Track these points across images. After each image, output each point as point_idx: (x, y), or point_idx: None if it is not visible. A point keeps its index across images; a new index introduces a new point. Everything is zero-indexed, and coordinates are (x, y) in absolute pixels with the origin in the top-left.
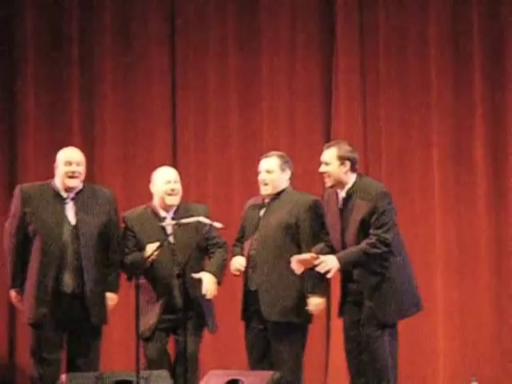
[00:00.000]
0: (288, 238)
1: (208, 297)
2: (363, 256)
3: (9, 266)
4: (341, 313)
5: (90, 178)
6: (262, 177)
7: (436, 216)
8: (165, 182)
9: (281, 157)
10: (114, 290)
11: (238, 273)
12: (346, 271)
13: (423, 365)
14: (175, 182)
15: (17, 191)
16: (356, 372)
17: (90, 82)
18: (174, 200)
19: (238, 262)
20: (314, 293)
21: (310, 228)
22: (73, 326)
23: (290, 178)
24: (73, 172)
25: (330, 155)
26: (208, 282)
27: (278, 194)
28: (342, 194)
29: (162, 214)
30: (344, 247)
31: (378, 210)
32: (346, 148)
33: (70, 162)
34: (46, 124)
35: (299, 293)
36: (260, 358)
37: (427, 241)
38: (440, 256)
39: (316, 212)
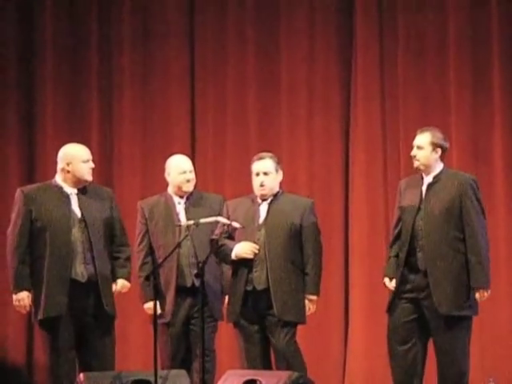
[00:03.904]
0: (292, 238)
1: None
2: (485, 262)
3: (12, 270)
4: (391, 309)
5: (108, 174)
6: (260, 179)
7: None
8: (180, 172)
9: (273, 158)
10: (127, 278)
11: (251, 255)
12: (412, 265)
13: None
14: (190, 171)
15: (18, 194)
16: (402, 380)
17: (109, 79)
18: (190, 186)
19: (252, 245)
20: (312, 293)
21: (313, 229)
22: (86, 320)
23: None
24: (91, 168)
25: (423, 140)
26: None
27: (275, 195)
28: (429, 178)
29: (176, 200)
30: (413, 230)
31: (467, 199)
32: (439, 135)
33: (88, 159)
34: (64, 122)
35: (301, 292)
36: (258, 357)
37: None
38: None
39: (315, 214)
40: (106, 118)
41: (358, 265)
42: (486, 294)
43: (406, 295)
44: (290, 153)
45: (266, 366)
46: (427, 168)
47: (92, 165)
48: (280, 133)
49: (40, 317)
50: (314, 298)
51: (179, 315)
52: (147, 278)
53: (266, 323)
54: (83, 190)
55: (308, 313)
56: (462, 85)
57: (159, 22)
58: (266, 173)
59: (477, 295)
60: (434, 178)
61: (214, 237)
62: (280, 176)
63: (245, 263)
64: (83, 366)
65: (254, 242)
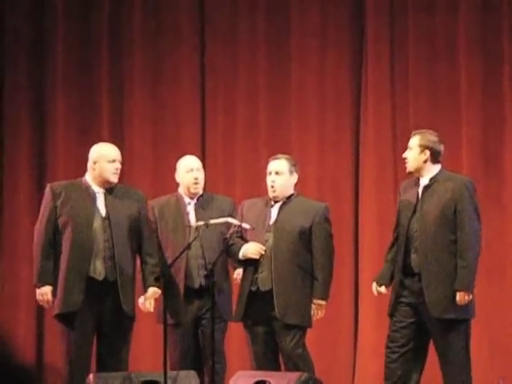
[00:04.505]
0: (301, 242)
1: None
2: (472, 266)
3: (37, 263)
4: (391, 312)
5: (119, 174)
6: (272, 178)
7: None
8: (188, 170)
9: (289, 159)
10: (157, 284)
11: (257, 256)
12: (407, 267)
13: None
14: (198, 170)
15: (47, 189)
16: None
17: (120, 80)
18: (198, 188)
19: (258, 246)
20: (320, 298)
21: (324, 233)
22: (104, 318)
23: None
24: (117, 169)
25: (413, 142)
26: None
27: (288, 197)
28: (425, 180)
29: (187, 200)
30: (408, 232)
31: (461, 202)
32: (429, 138)
33: (114, 159)
34: (75, 122)
35: (308, 297)
36: (266, 358)
37: None
38: None
39: (328, 219)
40: (116, 119)
41: (368, 266)
42: (466, 297)
43: (405, 299)
44: (300, 155)
45: (274, 366)
46: (417, 170)
47: (118, 166)
48: (290, 135)
49: (56, 312)
50: (322, 302)
51: (187, 317)
52: (157, 279)
53: (274, 326)
54: (111, 189)
55: (315, 318)
56: (472, 87)
57: (170, 23)
58: (277, 172)
59: (458, 297)
60: (431, 180)
61: (226, 236)
62: (294, 178)
63: (252, 264)
64: (98, 364)
65: (263, 244)
